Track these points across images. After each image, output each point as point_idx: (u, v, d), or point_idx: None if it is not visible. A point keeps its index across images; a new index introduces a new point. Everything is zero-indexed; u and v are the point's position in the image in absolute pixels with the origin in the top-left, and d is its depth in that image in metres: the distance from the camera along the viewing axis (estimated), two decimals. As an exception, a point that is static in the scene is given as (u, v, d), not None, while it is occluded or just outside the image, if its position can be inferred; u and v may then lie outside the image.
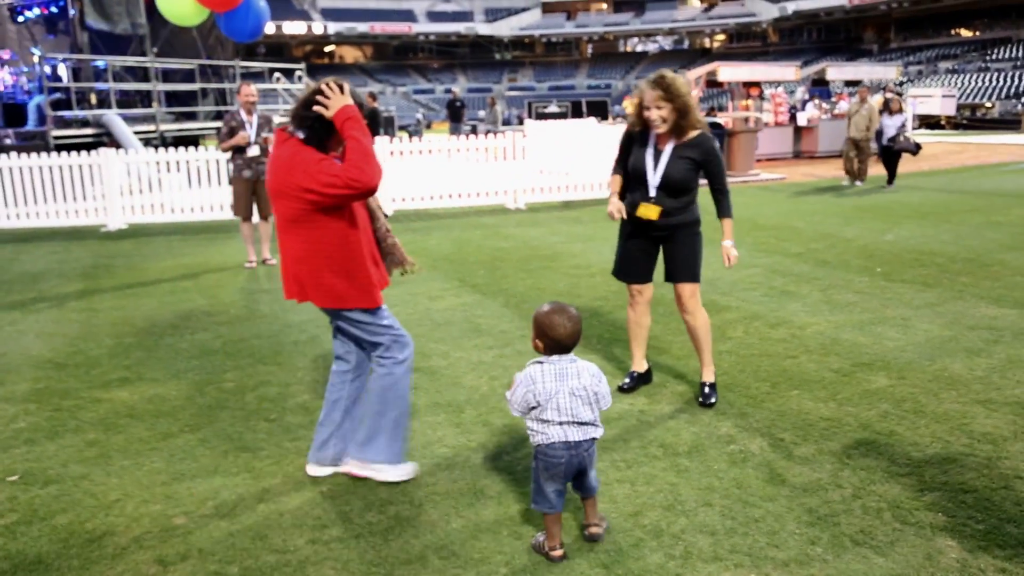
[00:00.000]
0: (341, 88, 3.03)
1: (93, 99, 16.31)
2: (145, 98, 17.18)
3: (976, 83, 40.55)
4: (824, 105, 21.60)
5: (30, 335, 5.77)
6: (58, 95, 15.41)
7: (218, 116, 17.64)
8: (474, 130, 21.33)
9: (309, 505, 3.16)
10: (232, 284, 7.30)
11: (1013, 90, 37.54)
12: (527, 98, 49.13)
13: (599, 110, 25.78)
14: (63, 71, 16.74)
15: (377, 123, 17.45)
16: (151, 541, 2.93)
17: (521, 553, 2.78)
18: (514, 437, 3.75)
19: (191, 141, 15.10)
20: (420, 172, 12.04)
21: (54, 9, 18.20)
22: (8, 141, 13.83)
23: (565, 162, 12.77)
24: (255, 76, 21.81)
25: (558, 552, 2.73)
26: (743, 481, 3.25)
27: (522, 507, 3.07)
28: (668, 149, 3.95)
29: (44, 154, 11.03)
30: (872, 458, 3.43)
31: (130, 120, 15.22)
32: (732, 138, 15.27)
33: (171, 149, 11.02)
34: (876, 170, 14.07)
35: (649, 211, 3.96)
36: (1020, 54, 43.42)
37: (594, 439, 2.73)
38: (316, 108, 2.99)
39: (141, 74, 17.32)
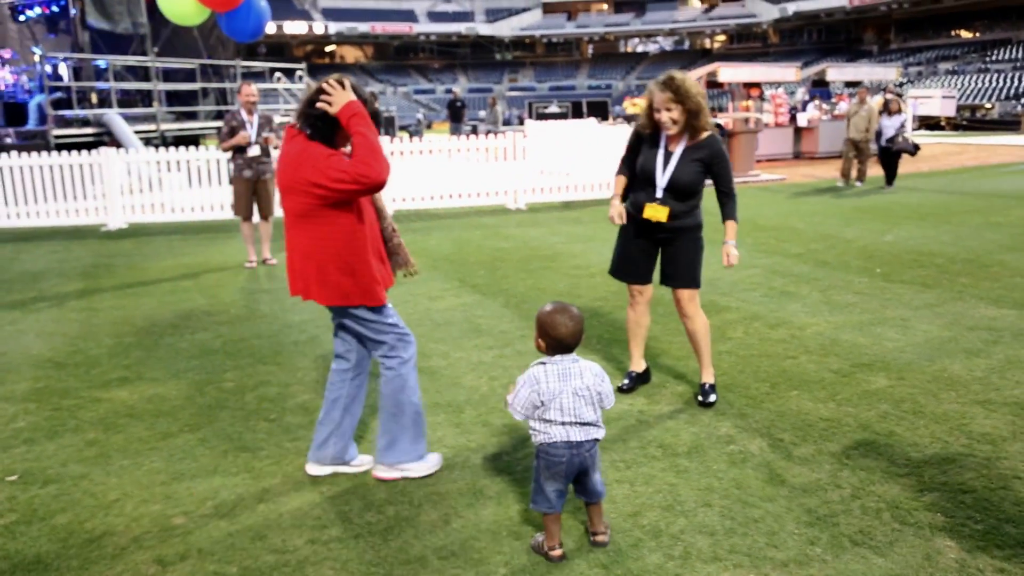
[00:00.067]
0: (343, 84, 3.03)
1: (94, 98, 16.31)
2: (146, 97, 17.18)
3: (976, 84, 40.53)
4: (824, 106, 21.59)
5: (30, 334, 5.77)
6: (59, 94, 15.40)
7: (219, 116, 17.65)
8: (475, 130, 21.35)
9: (308, 505, 3.17)
10: (232, 284, 7.30)
11: (1013, 91, 37.53)
12: (528, 98, 49.17)
13: (599, 110, 25.84)
14: (64, 70, 16.72)
15: (378, 123, 17.32)
16: (150, 541, 2.93)
17: (520, 553, 2.79)
18: (514, 437, 3.75)
19: (192, 141, 15.12)
20: (421, 172, 12.04)
21: (55, 8, 18.21)
22: (9, 140, 13.84)
23: (565, 162, 12.77)
24: (256, 76, 21.82)
25: (557, 552, 2.73)
26: (742, 481, 3.26)
27: (522, 507, 3.08)
28: (679, 151, 3.92)
29: (45, 153, 11.03)
30: (871, 458, 3.43)
31: (131, 119, 15.22)
32: (732, 139, 15.27)
33: (172, 149, 11.02)
34: (876, 171, 14.09)
35: (658, 212, 3.94)
36: (1020, 55, 43.41)
37: (596, 440, 2.73)
38: (320, 106, 3.00)
39: (142, 73, 17.34)
